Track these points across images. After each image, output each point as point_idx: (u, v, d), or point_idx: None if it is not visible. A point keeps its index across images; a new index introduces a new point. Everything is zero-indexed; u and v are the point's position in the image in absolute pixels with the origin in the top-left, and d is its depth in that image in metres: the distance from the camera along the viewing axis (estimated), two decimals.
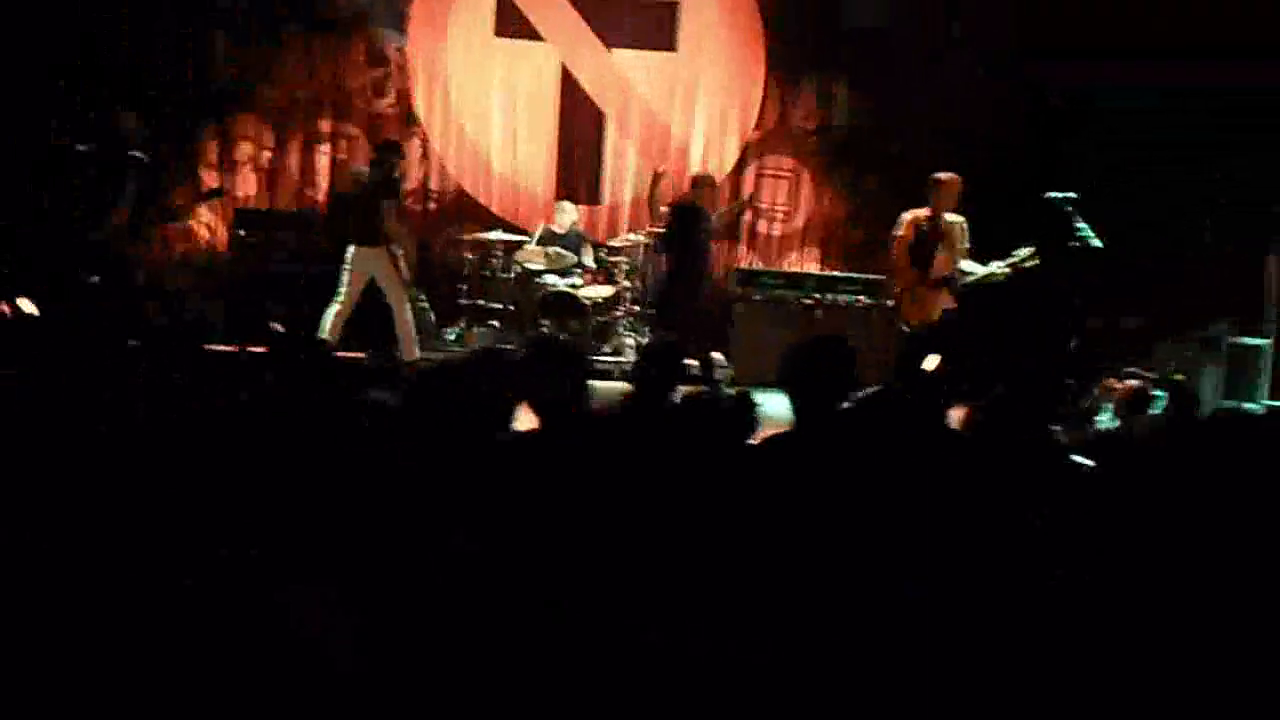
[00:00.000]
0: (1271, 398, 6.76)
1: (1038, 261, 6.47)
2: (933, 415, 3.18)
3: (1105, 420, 6.44)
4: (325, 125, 8.70)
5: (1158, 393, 5.31)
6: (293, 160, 8.71)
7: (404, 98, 8.76)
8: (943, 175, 6.58)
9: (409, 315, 7.01)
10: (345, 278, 6.89)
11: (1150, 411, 4.96)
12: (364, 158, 8.17)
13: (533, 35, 8.85)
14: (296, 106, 8.65)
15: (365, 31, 8.68)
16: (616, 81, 8.96)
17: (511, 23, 8.82)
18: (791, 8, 8.98)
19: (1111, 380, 6.23)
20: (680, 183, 8.09)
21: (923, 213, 6.58)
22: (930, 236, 6.54)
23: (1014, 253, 6.55)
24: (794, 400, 3.13)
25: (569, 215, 8.46)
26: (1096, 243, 6.37)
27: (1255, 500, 2.49)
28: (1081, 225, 6.41)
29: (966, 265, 6.61)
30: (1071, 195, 6.45)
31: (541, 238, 8.33)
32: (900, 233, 6.60)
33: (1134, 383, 6.27)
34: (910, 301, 6.60)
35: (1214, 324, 6.98)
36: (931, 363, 6.56)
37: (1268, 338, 6.86)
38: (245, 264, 8.07)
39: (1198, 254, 7.31)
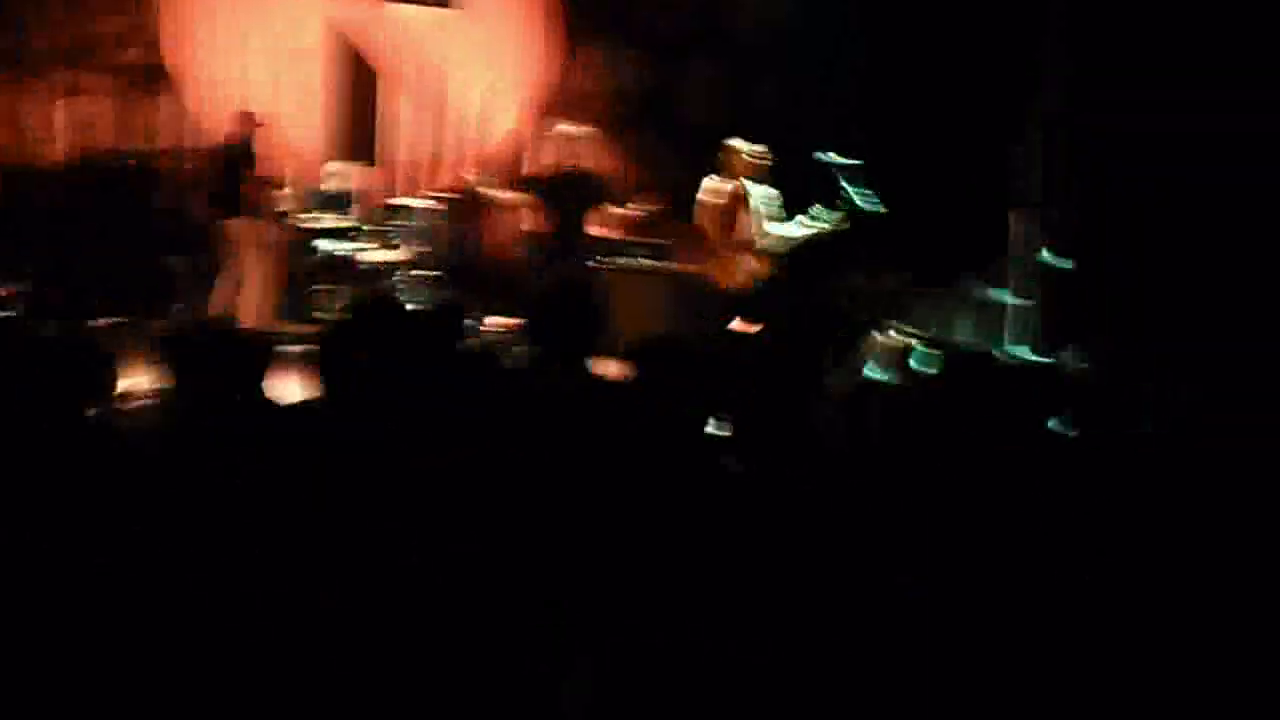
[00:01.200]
0: (1019, 347, 7.04)
1: (847, 224, 6.62)
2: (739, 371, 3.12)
3: (871, 372, 6.61)
4: (64, 77, 7.88)
5: (918, 346, 5.60)
6: (28, 114, 7.86)
7: (153, 50, 8.01)
8: (738, 143, 6.69)
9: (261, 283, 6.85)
10: (232, 253, 6.79)
11: (910, 364, 5.25)
12: (108, 112, 7.48)
13: None
14: (31, 57, 7.81)
15: None
16: (390, 37, 8.43)
17: None
18: None
19: (876, 336, 6.45)
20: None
21: (723, 180, 6.68)
22: (731, 204, 6.65)
23: (814, 216, 6.67)
24: (536, 348, 3.05)
25: (341, 176, 7.92)
26: (867, 206, 6.57)
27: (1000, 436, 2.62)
28: (851, 188, 6.58)
29: (773, 229, 6.72)
30: (847, 160, 6.63)
31: (312, 199, 7.76)
32: (703, 198, 6.70)
33: (896, 337, 6.51)
34: (717, 266, 6.71)
35: (965, 280, 7.31)
36: (738, 324, 6.65)
37: (1012, 291, 7.17)
38: None
39: (949, 214, 7.51)
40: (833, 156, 6.71)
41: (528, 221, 7.29)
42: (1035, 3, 7.46)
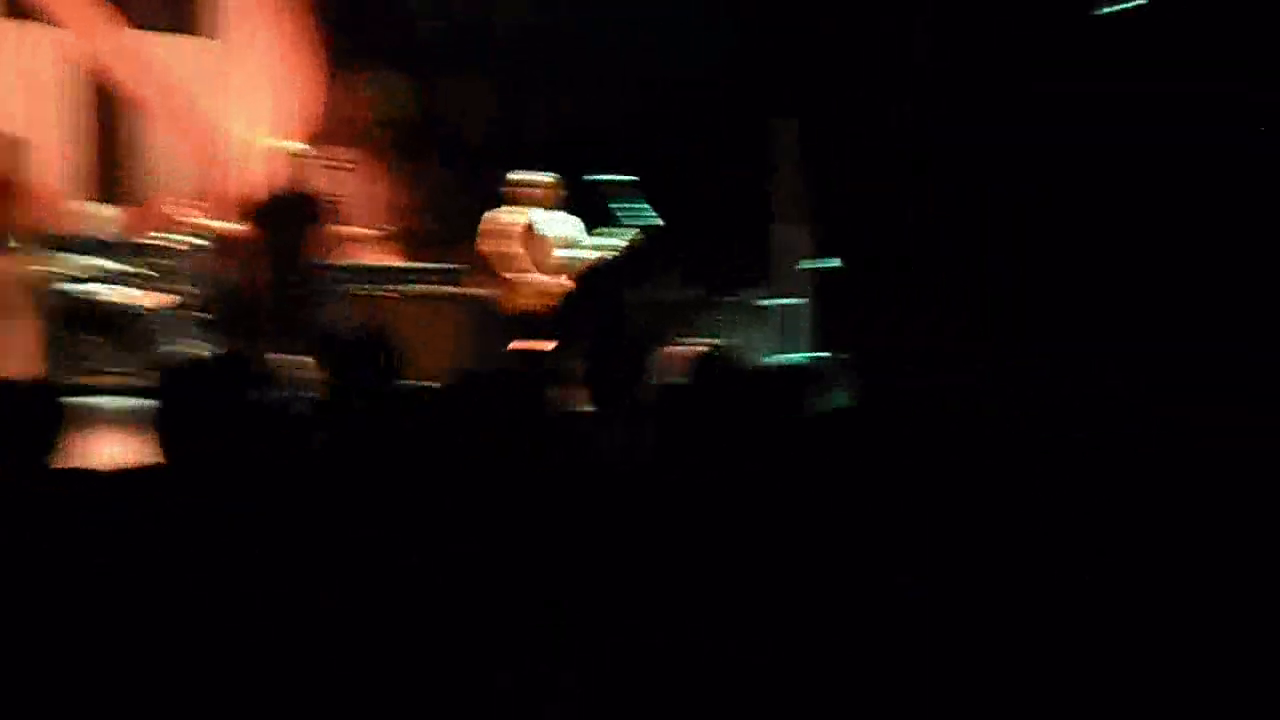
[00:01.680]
0: (789, 350, 7.33)
1: (641, 238, 6.88)
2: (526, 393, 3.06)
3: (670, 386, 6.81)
4: None
5: (709, 355, 5.77)
6: None
7: None
8: (525, 175, 6.88)
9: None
10: None
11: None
12: None
13: (37, 16, 7.87)
14: None
15: None
16: (145, 69, 8.12)
17: (9, 2, 7.81)
18: None
19: (667, 348, 6.72)
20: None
21: (510, 212, 6.83)
22: (518, 236, 6.82)
23: (594, 235, 6.89)
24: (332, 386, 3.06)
25: (96, 217, 7.54)
26: (642, 221, 6.84)
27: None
28: (629, 205, 6.84)
29: (563, 254, 6.90)
30: (618, 177, 6.86)
31: (63, 243, 7.35)
32: (486, 230, 6.85)
33: (688, 348, 6.75)
34: (505, 292, 6.87)
35: (744, 290, 7.61)
36: (520, 344, 6.72)
37: (780, 298, 7.46)
38: None
39: (730, 230, 7.77)
40: (604, 176, 6.91)
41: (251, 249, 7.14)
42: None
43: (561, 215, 6.97)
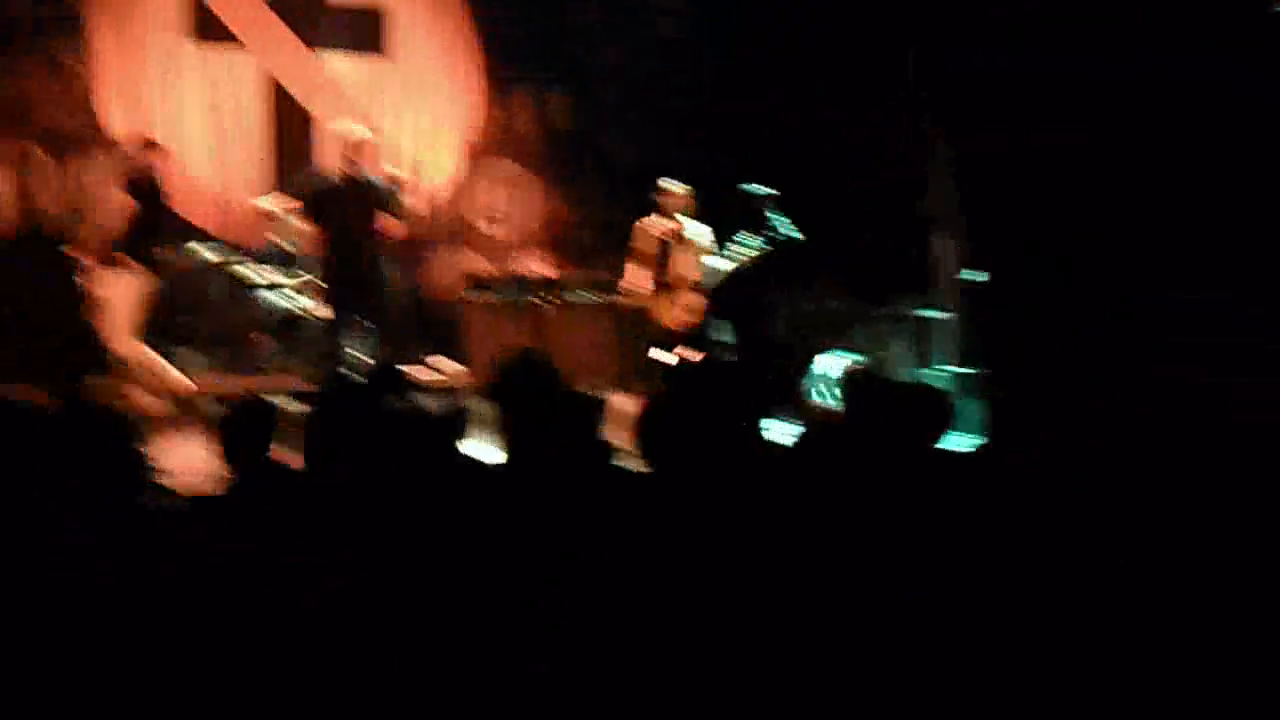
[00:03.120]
0: (948, 364, 7.25)
1: (772, 251, 6.92)
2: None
3: (821, 399, 6.85)
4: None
5: (858, 369, 6.02)
6: None
7: (91, 111, 8.06)
8: (670, 184, 7.04)
9: None
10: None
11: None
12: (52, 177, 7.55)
13: (229, 39, 8.36)
14: None
15: (41, 41, 7.95)
16: (324, 86, 8.58)
17: (204, 28, 8.30)
18: (502, 11, 8.87)
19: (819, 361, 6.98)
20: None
21: (658, 220, 7.00)
22: (667, 242, 7.00)
23: (740, 246, 6.97)
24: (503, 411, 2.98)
25: (288, 226, 7.95)
26: (791, 234, 6.87)
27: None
28: (776, 216, 6.88)
29: (709, 264, 7.05)
30: (767, 190, 6.91)
31: (263, 252, 7.83)
32: (639, 240, 7.02)
33: (839, 361, 6.81)
34: (655, 304, 7.04)
35: (899, 301, 7.52)
36: (674, 358, 6.85)
37: (941, 310, 7.36)
38: None
39: (879, 238, 7.74)
40: (754, 188, 6.99)
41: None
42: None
43: (701, 226, 7.11)
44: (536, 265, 8.77)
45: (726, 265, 7.07)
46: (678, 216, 7.06)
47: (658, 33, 9.11)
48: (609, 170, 8.85)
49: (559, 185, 9.03)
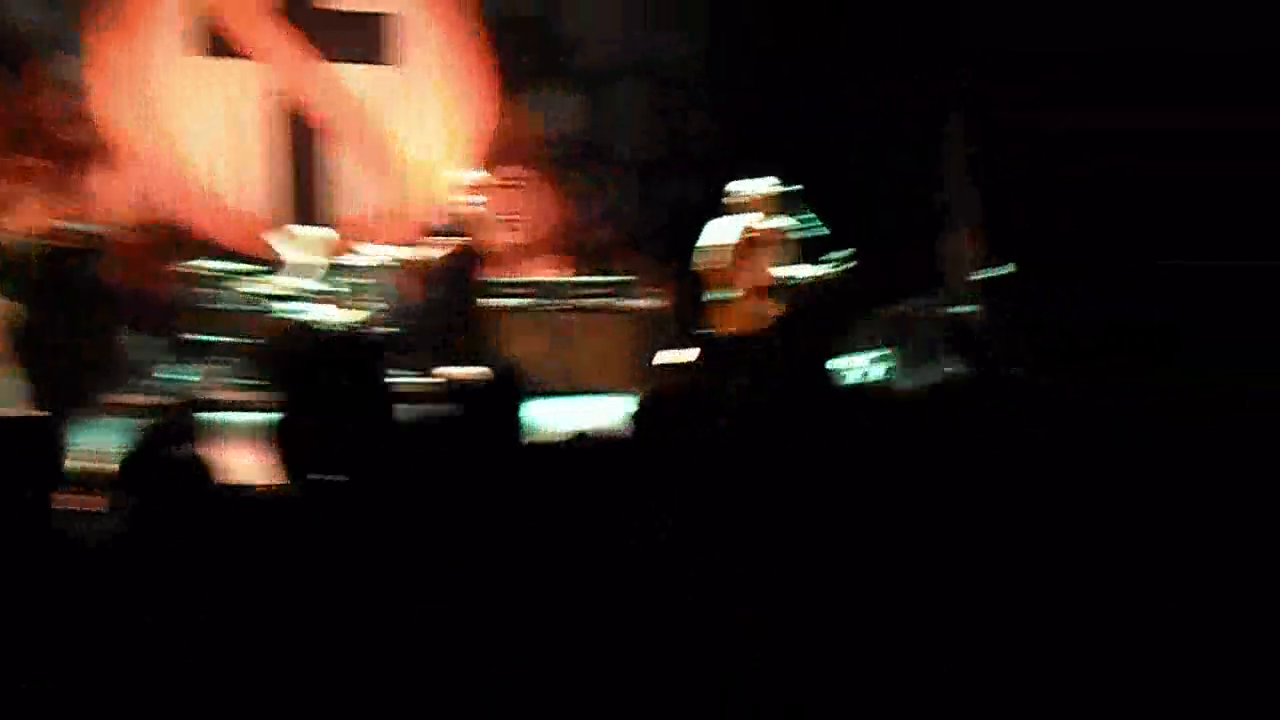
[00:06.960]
0: (959, 361, 7.02)
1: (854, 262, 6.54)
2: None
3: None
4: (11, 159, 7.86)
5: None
6: None
7: (96, 125, 8.01)
8: (749, 185, 6.58)
9: None
10: None
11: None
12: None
13: (236, 52, 8.32)
14: None
15: (47, 56, 7.91)
16: (334, 96, 8.53)
17: (211, 41, 8.27)
18: (509, 17, 8.85)
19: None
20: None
21: (734, 220, 6.54)
22: (743, 244, 6.50)
23: (827, 254, 6.56)
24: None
25: (301, 239, 7.88)
26: (811, 231, 6.54)
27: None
28: (806, 215, 6.56)
29: (788, 271, 6.57)
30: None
31: (278, 265, 7.76)
32: (711, 241, 6.53)
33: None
34: (726, 308, 6.50)
35: (917, 299, 7.41)
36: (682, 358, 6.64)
37: (959, 307, 7.26)
38: None
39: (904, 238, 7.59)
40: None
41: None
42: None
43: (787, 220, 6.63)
44: (556, 269, 8.72)
45: (804, 271, 6.58)
46: (757, 219, 6.57)
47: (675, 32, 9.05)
48: (625, 172, 8.78)
49: (573, 187, 8.95)
